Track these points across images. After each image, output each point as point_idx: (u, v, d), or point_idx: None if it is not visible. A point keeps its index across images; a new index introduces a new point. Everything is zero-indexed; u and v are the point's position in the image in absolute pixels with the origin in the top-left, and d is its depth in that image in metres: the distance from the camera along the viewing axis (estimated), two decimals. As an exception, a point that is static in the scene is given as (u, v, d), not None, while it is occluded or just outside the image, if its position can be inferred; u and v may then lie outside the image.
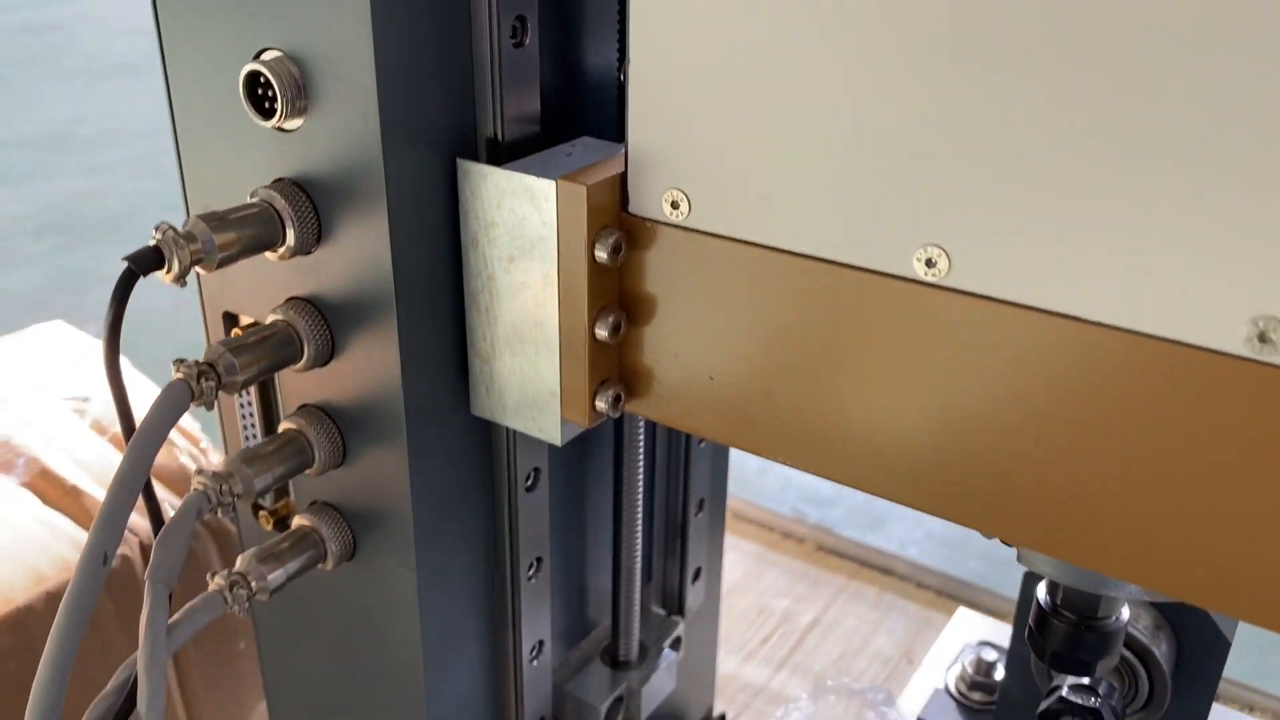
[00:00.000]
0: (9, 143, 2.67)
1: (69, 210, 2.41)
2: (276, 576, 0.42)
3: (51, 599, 0.57)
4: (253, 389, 0.44)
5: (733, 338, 0.36)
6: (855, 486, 0.36)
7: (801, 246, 0.34)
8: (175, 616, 0.40)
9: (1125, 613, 0.41)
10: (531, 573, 0.49)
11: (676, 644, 0.60)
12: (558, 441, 0.41)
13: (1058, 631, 0.41)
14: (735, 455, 1.54)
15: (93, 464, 0.65)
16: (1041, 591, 0.42)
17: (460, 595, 0.47)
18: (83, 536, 0.61)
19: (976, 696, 0.66)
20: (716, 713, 0.75)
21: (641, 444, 0.52)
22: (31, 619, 0.56)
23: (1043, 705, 0.51)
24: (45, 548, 0.59)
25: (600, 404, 0.39)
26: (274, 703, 0.54)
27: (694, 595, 0.63)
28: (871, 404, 0.34)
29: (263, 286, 0.42)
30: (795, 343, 0.35)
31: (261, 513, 0.47)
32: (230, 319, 0.44)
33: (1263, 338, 0.27)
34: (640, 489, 0.53)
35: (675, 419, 0.39)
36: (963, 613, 0.74)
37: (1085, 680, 0.51)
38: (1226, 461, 0.28)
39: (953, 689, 0.67)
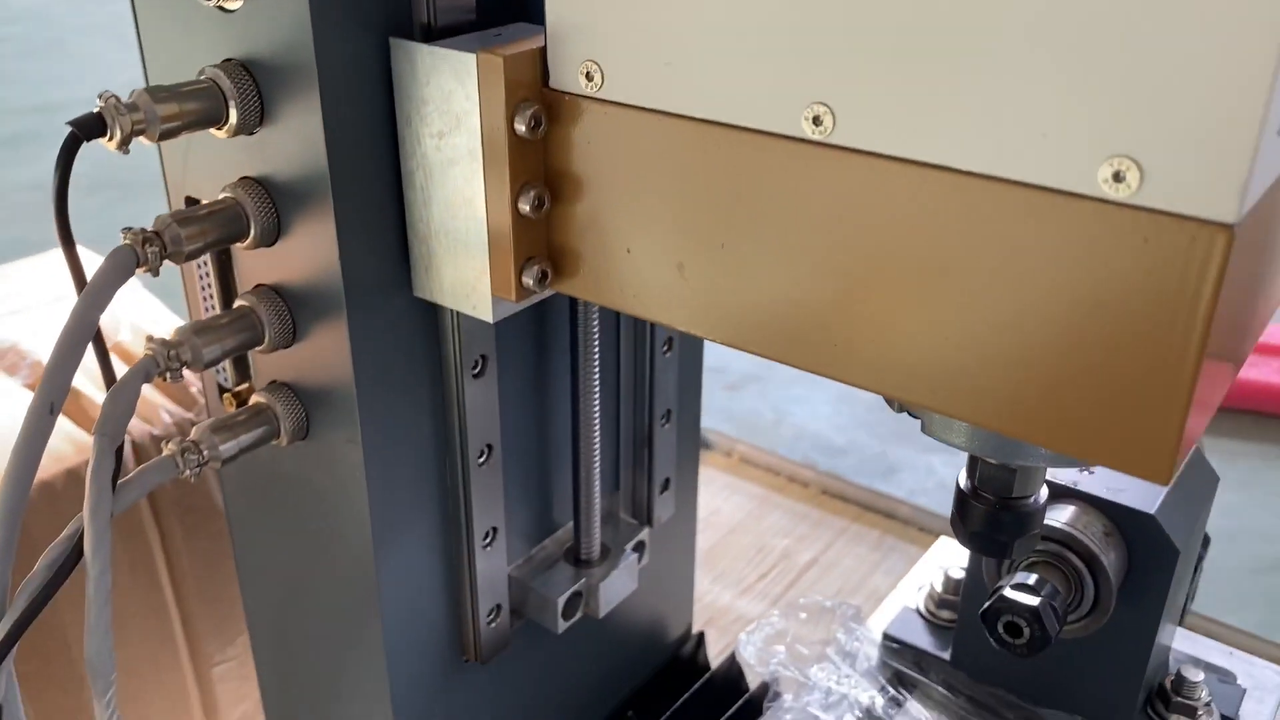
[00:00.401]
0: (67, 104, 2.75)
1: (121, 167, 2.47)
2: (228, 447, 0.45)
3: (41, 488, 0.60)
4: (211, 268, 0.46)
5: (646, 210, 0.38)
6: (756, 352, 0.37)
7: (701, 111, 0.35)
8: (128, 476, 0.42)
9: (1044, 494, 0.42)
10: (482, 459, 0.50)
11: (640, 548, 0.62)
12: (489, 319, 0.42)
13: (976, 512, 0.42)
14: (749, 404, 1.55)
15: (93, 370, 0.68)
16: (962, 477, 0.43)
17: (409, 476, 0.49)
18: (79, 435, 0.64)
19: (944, 614, 0.66)
20: (695, 631, 0.76)
21: (598, 343, 0.53)
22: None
23: (984, 605, 0.52)
24: (56, 458, 0.62)
25: (527, 280, 0.41)
26: (245, 584, 0.57)
27: (662, 506, 0.65)
28: (770, 268, 0.35)
29: (218, 169, 0.44)
30: (702, 212, 0.36)
31: (225, 394, 0.50)
32: (191, 203, 0.46)
33: (1117, 176, 0.28)
34: (597, 388, 0.54)
35: (598, 295, 0.40)
36: (943, 540, 0.75)
37: (1029, 580, 0.52)
38: (1088, 301, 0.29)
39: (922, 608, 0.68)
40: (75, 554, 0.40)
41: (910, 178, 0.31)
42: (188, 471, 0.43)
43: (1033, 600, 0.50)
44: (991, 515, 0.42)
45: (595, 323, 0.53)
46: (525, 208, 0.39)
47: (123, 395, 0.40)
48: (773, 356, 0.37)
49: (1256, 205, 0.27)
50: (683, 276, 0.38)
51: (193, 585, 0.69)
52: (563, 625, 0.57)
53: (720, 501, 1.10)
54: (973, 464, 0.42)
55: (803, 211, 0.34)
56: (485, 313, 0.42)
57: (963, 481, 0.43)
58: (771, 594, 0.98)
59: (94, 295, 0.38)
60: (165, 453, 0.43)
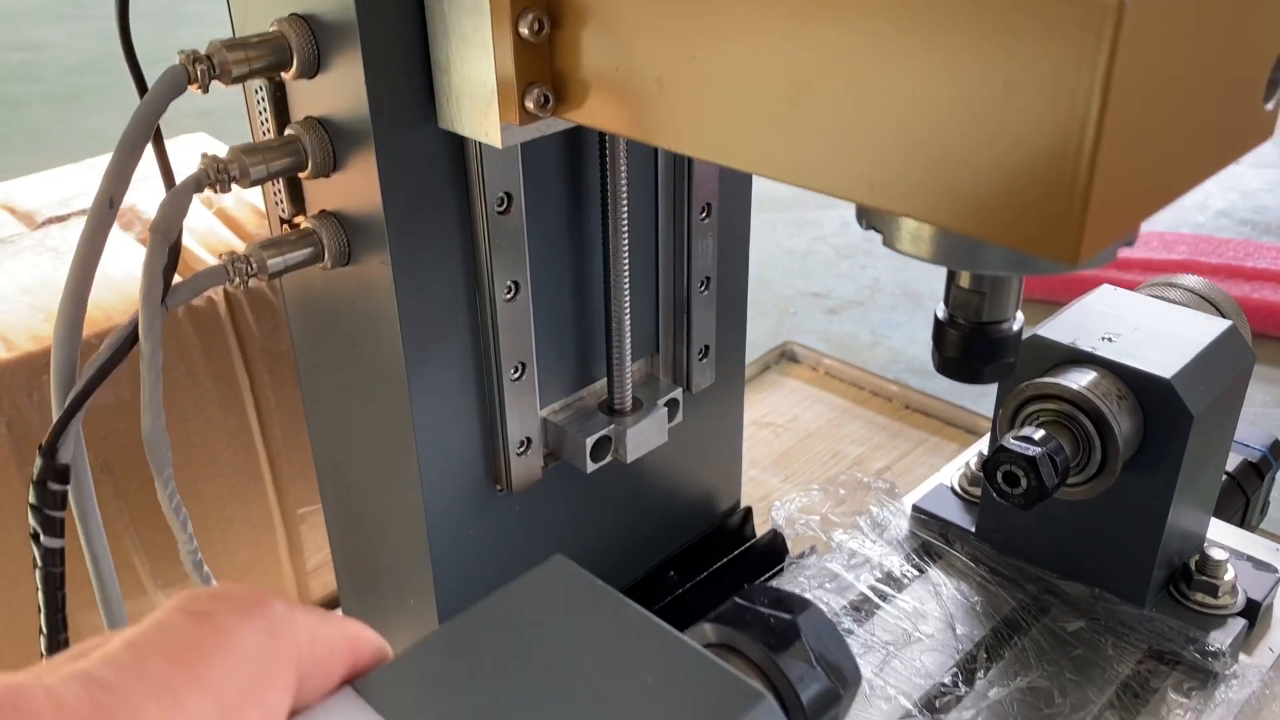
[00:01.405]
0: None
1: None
2: (275, 263, 0.50)
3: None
4: (267, 100, 0.51)
5: (631, 27, 0.40)
6: (725, 163, 0.40)
7: (668, -76, 0.37)
8: (180, 282, 0.48)
9: (1019, 321, 0.43)
10: (509, 295, 0.54)
11: (673, 405, 0.65)
12: (498, 144, 0.46)
13: (950, 338, 0.43)
14: (848, 328, 1.56)
15: (197, 229, 0.75)
16: (939, 308, 0.44)
17: (439, 303, 0.53)
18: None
19: (975, 491, 0.67)
20: (743, 507, 0.79)
21: (626, 197, 0.56)
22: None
23: (986, 457, 0.53)
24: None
25: (529, 103, 0.44)
26: (310, 418, 0.63)
27: (700, 372, 0.67)
28: (733, 77, 0.38)
29: (273, 8, 0.49)
30: (674, 23, 0.39)
31: (284, 225, 0.55)
32: (252, 46, 0.51)
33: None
34: (626, 241, 0.57)
35: (594, 118, 0.43)
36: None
37: (1032, 434, 0.53)
38: (997, 81, 0.31)
39: (955, 485, 0.69)
40: (132, 337, 0.46)
41: (845, -27, 0.33)
42: (236, 280, 0.49)
43: (1031, 450, 0.51)
44: (964, 340, 0.43)
45: (624, 178, 0.56)
46: (525, 31, 0.42)
47: (177, 198, 0.45)
48: (738, 166, 0.40)
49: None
50: (662, 92, 0.40)
51: (278, 430, 0.76)
52: (591, 466, 0.61)
53: (801, 410, 1.12)
54: (947, 292, 0.43)
55: (756, 17, 0.36)
56: (495, 139, 0.46)
57: (939, 312, 0.44)
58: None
59: (151, 103, 0.43)
60: (217, 264, 0.49)
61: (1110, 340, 0.56)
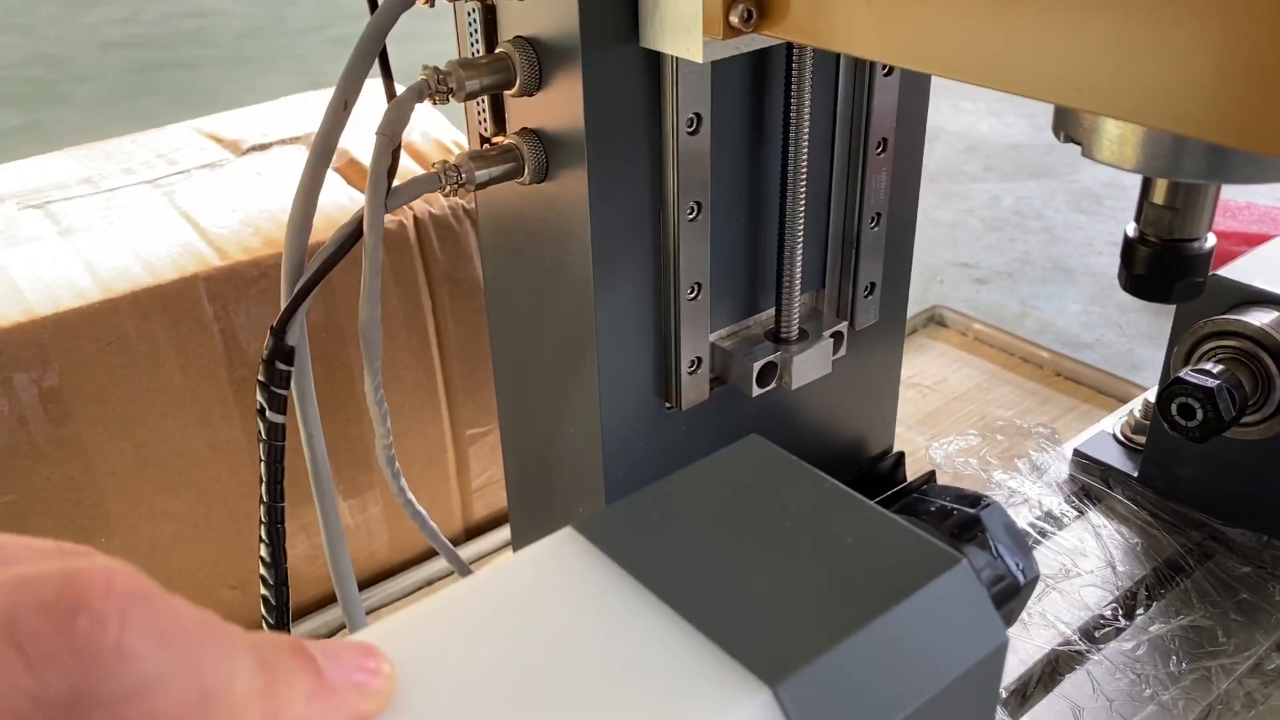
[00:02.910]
0: None
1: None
2: (482, 174, 0.54)
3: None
4: (478, 20, 0.54)
5: (839, -56, 0.42)
6: (934, 71, 0.41)
7: None
8: (400, 185, 0.52)
9: (1210, 241, 0.43)
10: (692, 215, 0.57)
11: (838, 338, 0.66)
12: (700, 59, 0.48)
13: (1140, 255, 0.44)
14: (997, 298, 1.54)
15: (387, 161, 0.80)
16: (1130, 227, 0.45)
17: (627, 220, 0.56)
18: (372, 209, 0.76)
19: (1139, 438, 0.67)
20: (895, 451, 0.80)
21: (809, 127, 0.58)
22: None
23: (1156, 397, 0.53)
24: (344, 211, 0.74)
25: (733, 18, 0.46)
26: (495, 330, 0.67)
27: (864, 309, 0.69)
28: (942, -15, 0.39)
29: (487, -65, 0.52)
30: (885, -62, 0.40)
31: (485, 143, 0.59)
32: (466, -29, 0.55)
33: None
34: (805, 167, 0.59)
35: (799, 33, 0.45)
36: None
37: (1210, 368, 0.53)
38: (1215, -26, 0.31)
39: (1118, 432, 0.69)
40: (356, 232, 0.50)
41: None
42: (448, 187, 0.52)
43: (1209, 382, 0.51)
44: (1155, 257, 0.44)
45: (807, 108, 0.58)
46: (733, -51, 0.44)
47: (401, 106, 0.49)
48: (947, 74, 0.41)
49: None
50: (868, 4, 0.42)
51: (455, 353, 0.80)
52: (756, 391, 0.63)
53: (949, 372, 1.12)
54: (1139, 210, 0.44)
55: (971, -76, 0.37)
56: (697, 55, 0.48)
57: (1130, 230, 0.45)
58: (987, 457, 0.99)
59: (382, 14, 0.47)
60: (431, 172, 0.53)
61: (1295, 280, 0.55)
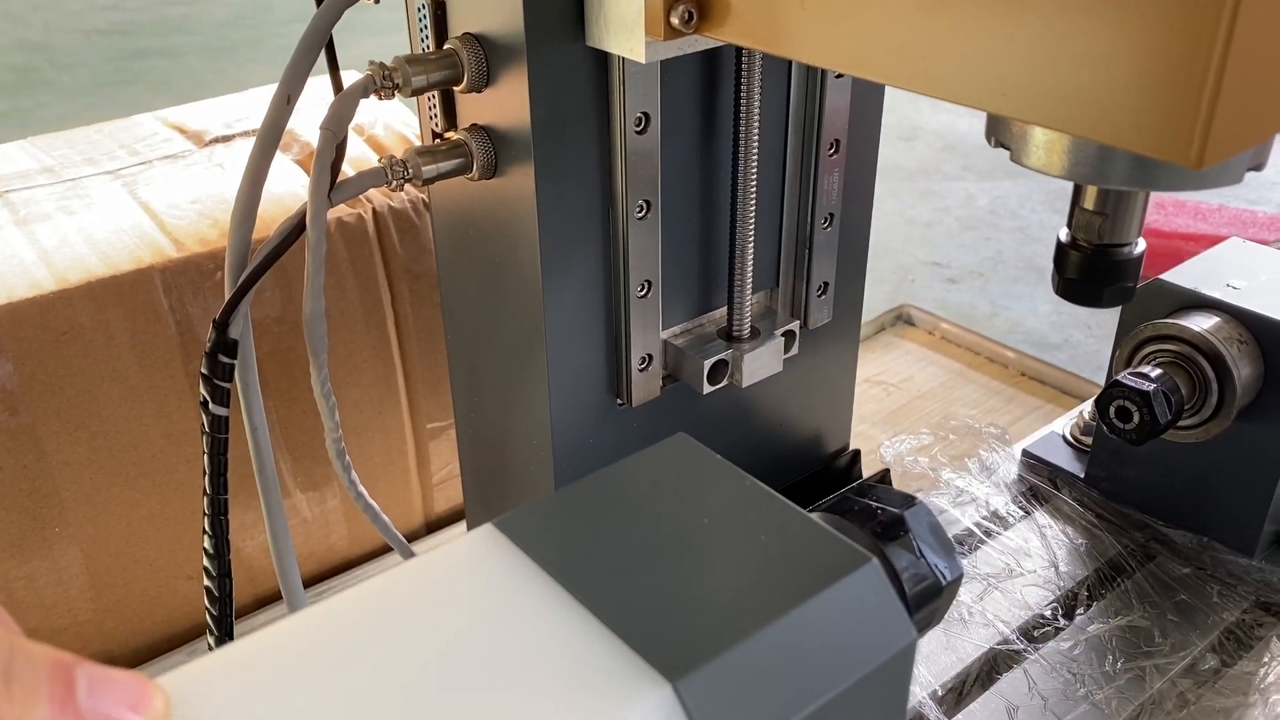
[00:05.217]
0: None
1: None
2: (429, 169, 0.54)
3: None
4: (428, 15, 0.54)
5: (775, -53, 0.42)
6: (862, 74, 0.41)
7: None
8: (345, 179, 0.52)
9: (1140, 247, 0.44)
10: (641, 214, 0.57)
11: (790, 337, 0.67)
12: (642, 59, 0.48)
13: (1071, 260, 0.44)
14: (967, 298, 1.55)
15: (350, 155, 0.80)
16: (1062, 232, 0.45)
17: (576, 216, 0.56)
18: (333, 202, 0.76)
19: (1087, 440, 0.68)
20: (852, 449, 0.81)
21: (759, 125, 0.58)
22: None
23: (1100, 393, 0.54)
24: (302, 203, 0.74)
25: (674, 19, 0.46)
26: (449, 324, 0.67)
27: (818, 309, 0.69)
28: (872, -10, 0.39)
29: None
30: (819, -58, 0.41)
31: (436, 139, 0.59)
32: (417, -33, 0.55)
33: None
34: (755, 169, 0.59)
35: (737, 34, 0.46)
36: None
37: (1149, 371, 0.53)
38: (1126, -15, 0.32)
39: (1067, 434, 0.69)
40: (301, 225, 0.50)
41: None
42: (394, 181, 0.53)
43: (1145, 385, 0.52)
44: (1086, 262, 0.44)
45: (757, 109, 0.58)
46: (674, -50, 0.45)
47: (346, 100, 0.49)
48: (878, 78, 0.41)
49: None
50: (803, 6, 0.42)
51: (415, 347, 0.80)
52: (708, 388, 0.63)
53: (915, 370, 1.12)
54: (1071, 215, 0.45)
55: (899, -70, 0.38)
56: (639, 55, 0.48)
57: (1062, 235, 0.45)
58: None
59: (328, 9, 0.47)
60: (377, 166, 0.53)
61: (1235, 288, 0.56)
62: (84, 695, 0.24)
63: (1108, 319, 1.34)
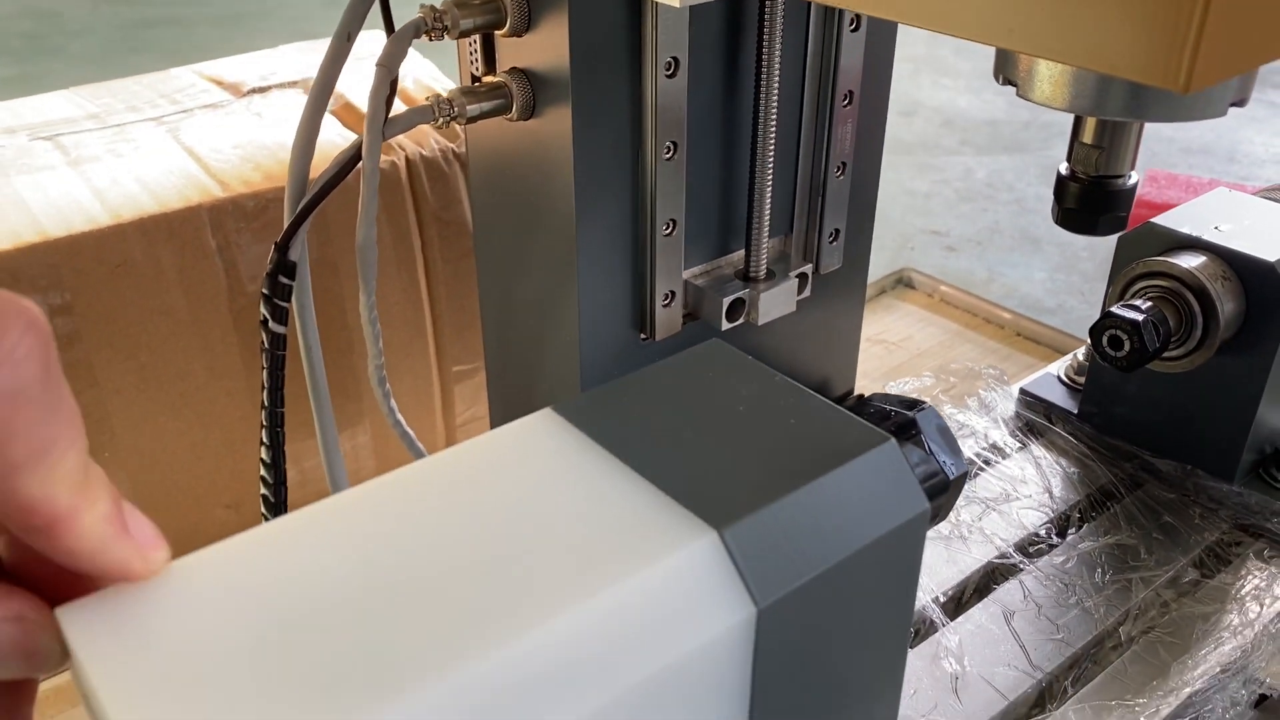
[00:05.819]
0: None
1: None
2: (472, 108, 0.58)
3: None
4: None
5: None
6: (865, 10, 0.45)
7: None
8: (397, 114, 0.56)
9: (1134, 179, 0.48)
10: (668, 155, 0.61)
11: (803, 279, 0.71)
12: (676, 2, 0.52)
13: (1070, 190, 0.48)
14: (965, 264, 1.59)
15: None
16: (1062, 166, 0.49)
17: (607, 157, 0.60)
18: (367, 151, 0.80)
19: (1081, 379, 0.72)
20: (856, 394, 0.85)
21: (779, 78, 0.62)
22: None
23: (1093, 324, 0.58)
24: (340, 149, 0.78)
25: (707, -34, 0.50)
26: (482, 265, 0.71)
27: (829, 254, 0.73)
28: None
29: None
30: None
31: (476, 82, 0.63)
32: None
33: None
34: (774, 119, 0.63)
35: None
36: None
37: (1138, 303, 0.57)
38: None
39: (1062, 374, 0.74)
40: (356, 156, 0.54)
41: None
42: (440, 119, 0.56)
43: (1135, 315, 0.56)
44: (1083, 192, 0.48)
45: (778, 58, 0.62)
46: (710, -99, 0.48)
47: (399, 39, 0.53)
48: (890, 15, 0.45)
49: None
50: (827, -45, 0.46)
51: (443, 292, 0.84)
52: (725, 325, 0.67)
53: (914, 330, 1.17)
54: (1070, 150, 0.49)
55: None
56: None
57: (1062, 169, 0.49)
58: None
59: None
60: (424, 104, 0.57)
61: (1220, 230, 0.60)
62: (126, 512, 0.30)
63: (1101, 286, 1.38)
